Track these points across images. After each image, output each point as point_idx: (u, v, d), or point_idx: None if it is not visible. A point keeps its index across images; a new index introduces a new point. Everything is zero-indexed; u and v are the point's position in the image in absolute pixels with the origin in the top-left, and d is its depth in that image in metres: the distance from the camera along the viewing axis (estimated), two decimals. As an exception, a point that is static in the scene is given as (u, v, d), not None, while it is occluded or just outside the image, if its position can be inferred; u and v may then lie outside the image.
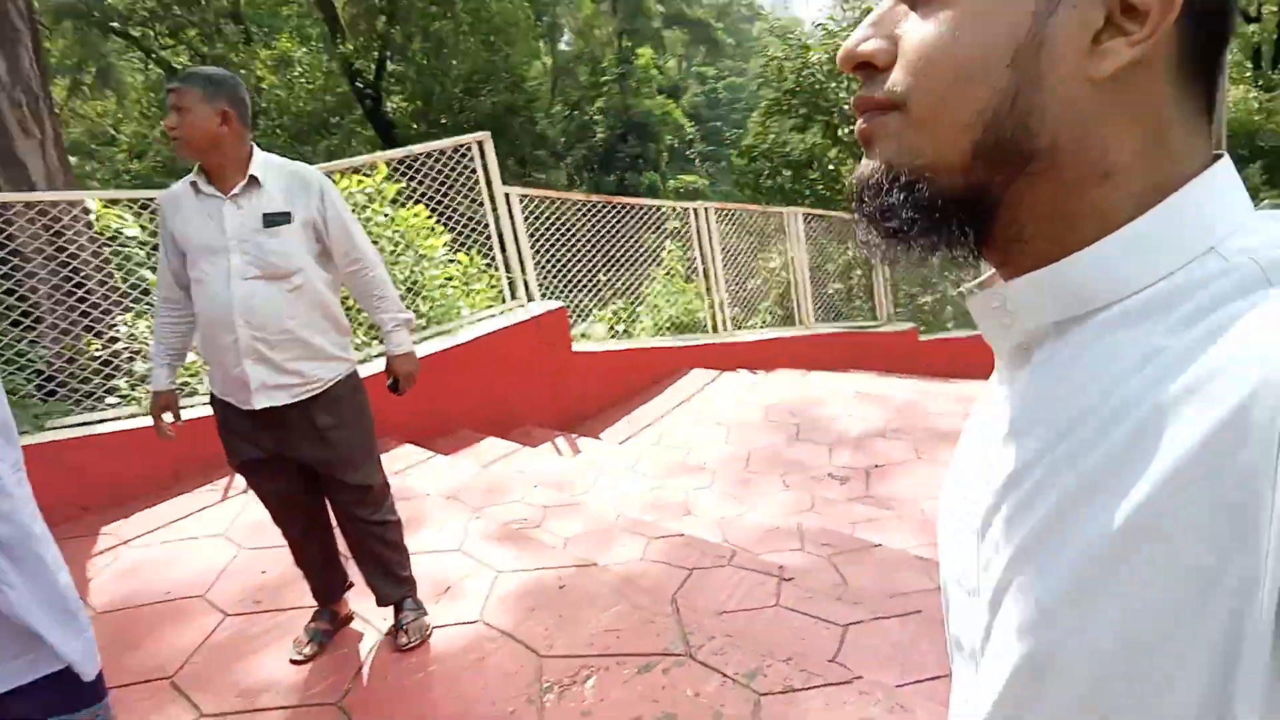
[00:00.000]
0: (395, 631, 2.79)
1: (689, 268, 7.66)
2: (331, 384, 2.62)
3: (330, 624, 2.86)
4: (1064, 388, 0.50)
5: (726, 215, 7.80)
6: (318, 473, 2.69)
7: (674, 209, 7.56)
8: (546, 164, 27.61)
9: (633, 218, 7.24)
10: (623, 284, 7.30)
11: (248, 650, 2.84)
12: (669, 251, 7.80)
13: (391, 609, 2.84)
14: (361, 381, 2.74)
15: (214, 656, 2.81)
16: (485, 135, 5.91)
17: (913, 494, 4.38)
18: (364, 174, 5.77)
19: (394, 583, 2.83)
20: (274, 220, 2.49)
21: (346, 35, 17.83)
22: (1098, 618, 0.43)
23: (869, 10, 0.61)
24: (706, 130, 53.46)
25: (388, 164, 5.75)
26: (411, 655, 2.71)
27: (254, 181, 2.49)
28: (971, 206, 0.52)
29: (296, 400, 2.56)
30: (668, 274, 7.76)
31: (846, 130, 11.33)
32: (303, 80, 18.35)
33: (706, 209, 7.51)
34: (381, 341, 2.82)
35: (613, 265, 7.13)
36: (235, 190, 2.48)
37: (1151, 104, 0.49)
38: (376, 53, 18.13)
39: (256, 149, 2.57)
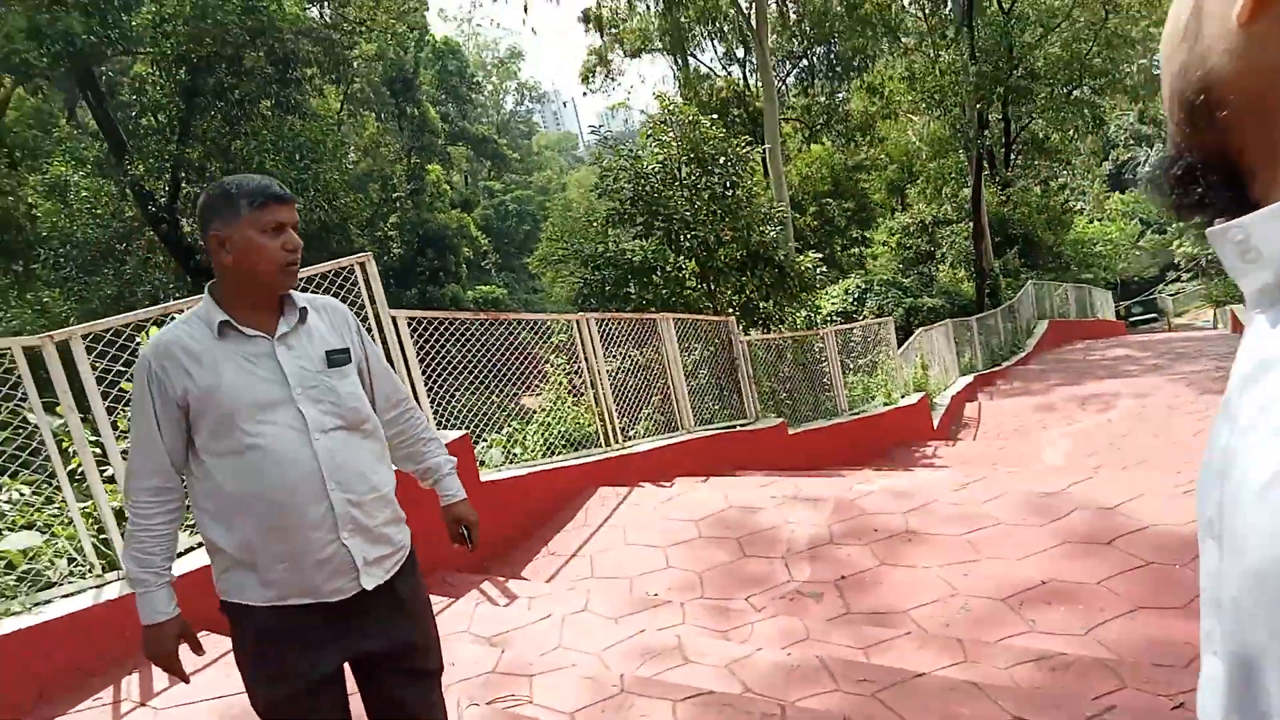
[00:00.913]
0: None
1: (579, 381, 7.31)
2: (407, 550, 2.18)
3: None
4: None
5: (602, 324, 7.56)
6: (373, 675, 2.13)
7: (559, 321, 7.23)
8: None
9: (513, 333, 6.85)
10: (511, 404, 6.84)
11: None
12: (556, 366, 7.43)
13: None
14: None
15: None
16: (367, 256, 5.38)
17: (898, 603, 4.18)
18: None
19: None
20: (338, 359, 2.05)
21: (132, 157, 16.33)
22: None
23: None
24: (498, 241, 54.10)
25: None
26: None
27: (304, 316, 2.04)
28: (1211, 167, 0.58)
29: (389, 576, 2.08)
30: (554, 389, 7.37)
31: (688, 236, 11.51)
32: (85, 206, 16.50)
33: (588, 319, 7.24)
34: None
35: (498, 384, 6.68)
36: (284, 329, 1.99)
37: None
38: (169, 174, 16.70)
39: None
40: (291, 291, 2.03)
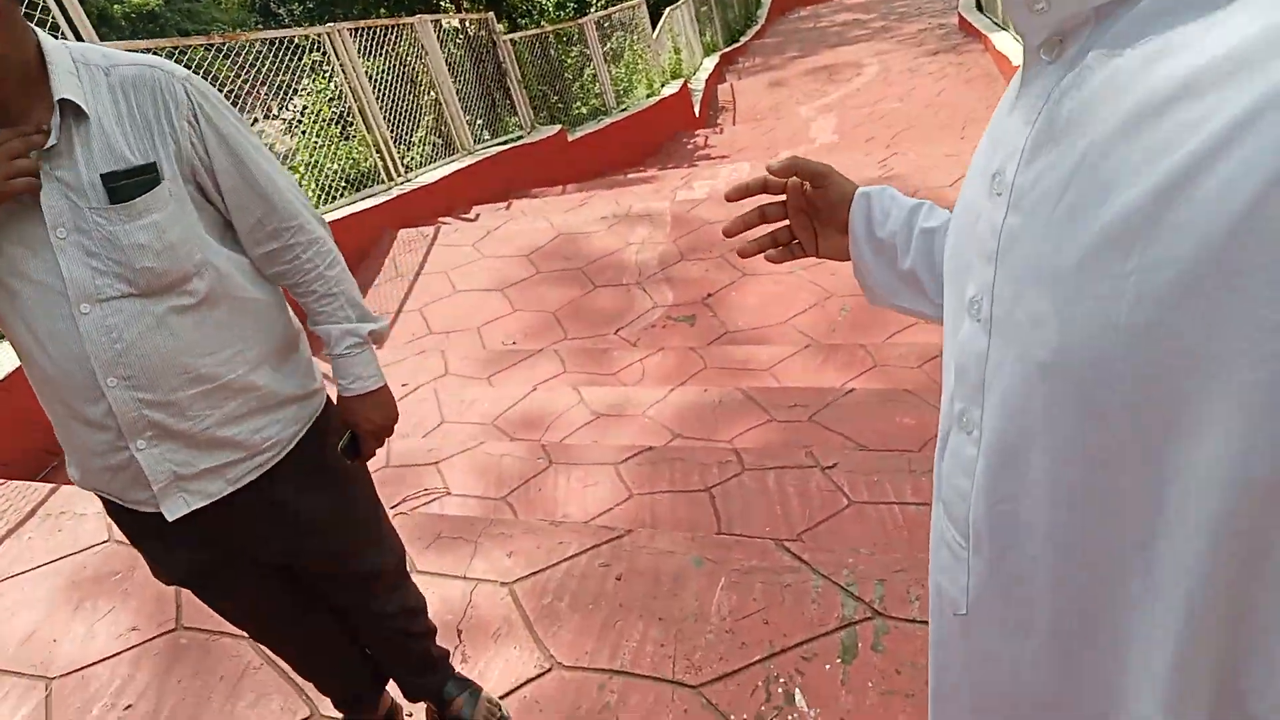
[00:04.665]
0: None
1: (342, 110, 6.24)
2: (299, 439, 1.50)
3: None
4: (1116, 78, 0.45)
5: (357, 36, 6.38)
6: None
7: (305, 38, 5.97)
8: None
9: (258, 59, 5.61)
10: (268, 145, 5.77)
11: None
12: (314, 94, 6.26)
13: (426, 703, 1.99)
14: (335, 416, 1.61)
15: None
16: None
17: (775, 315, 4.11)
18: None
19: (427, 668, 1.93)
20: (127, 187, 1.25)
21: None
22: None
23: None
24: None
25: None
26: (514, 757, 1.90)
27: (73, 112, 1.23)
28: None
29: (241, 486, 1.44)
30: (316, 121, 6.25)
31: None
32: None
33: (341, 31, 6.06)
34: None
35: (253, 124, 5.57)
36: (52, 139, 1.21)
37: None
38: None
39: (43, 36, 1.26)
40: (60, 57, 1.23)
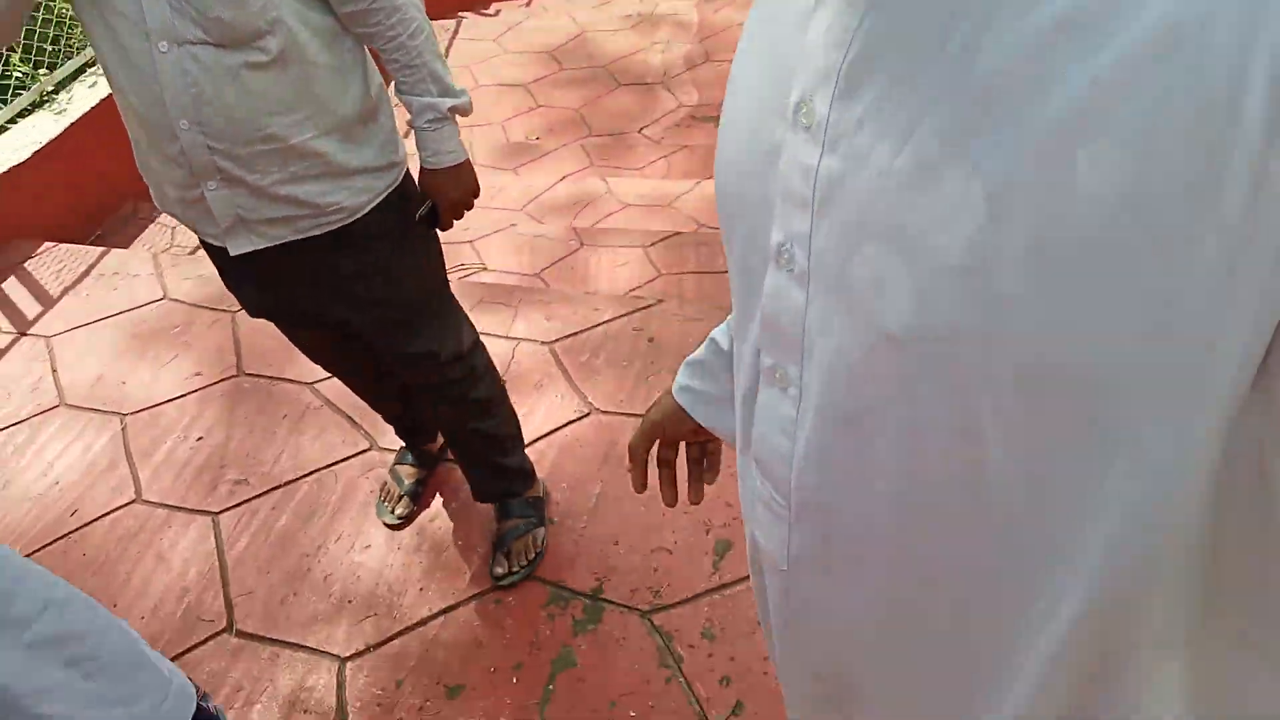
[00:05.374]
0: (492, 553, 2.00)
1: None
2: (364, 212, 1.54)
3: (425, 467, 2.16)
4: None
5: None
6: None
7: None
8: None
9: None
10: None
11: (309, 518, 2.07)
12: None
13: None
14: (414, 189, 1.65)
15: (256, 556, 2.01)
16: None
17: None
18: None
19: (494, 474, 1.99)
20: None
21: None
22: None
23: None
24: None
25: None
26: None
27: None
28: None
29: (304, 237, 1.53)
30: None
31: None
32: None
33: None
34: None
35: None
36: None
37: None
38: None
39: None
40: None
